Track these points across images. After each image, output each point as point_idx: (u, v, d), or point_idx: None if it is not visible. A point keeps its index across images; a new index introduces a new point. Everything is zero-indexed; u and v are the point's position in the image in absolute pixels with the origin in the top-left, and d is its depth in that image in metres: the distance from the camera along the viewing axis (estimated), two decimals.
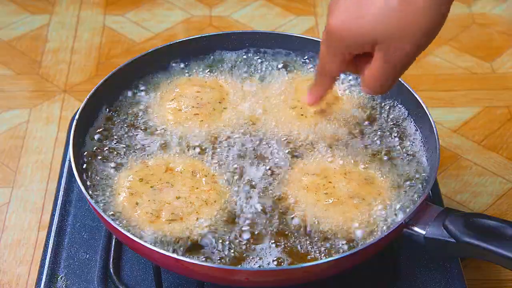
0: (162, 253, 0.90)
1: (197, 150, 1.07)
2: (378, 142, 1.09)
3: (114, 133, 1.10)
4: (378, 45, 0.86)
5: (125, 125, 1.11)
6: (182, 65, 1.21)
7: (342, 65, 0.93)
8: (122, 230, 0.92)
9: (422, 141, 1.10)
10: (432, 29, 0.85)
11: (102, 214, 0.94)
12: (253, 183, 1.03)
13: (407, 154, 1.08)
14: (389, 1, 0.83)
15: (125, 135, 1.10)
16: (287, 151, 1.07)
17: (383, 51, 0.87)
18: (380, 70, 0.89)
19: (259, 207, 1.00)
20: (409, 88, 1.11)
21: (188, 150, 1.07)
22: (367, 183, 1.01)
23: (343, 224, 0.97)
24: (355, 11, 0.86)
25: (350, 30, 0.87)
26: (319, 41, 1.19)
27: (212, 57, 1.22)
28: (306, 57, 1.22)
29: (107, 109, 1.13)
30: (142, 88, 1.17)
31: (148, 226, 0.96)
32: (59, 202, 1.18)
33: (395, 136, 1.11)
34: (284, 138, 1.09)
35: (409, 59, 0.87)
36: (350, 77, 1.18)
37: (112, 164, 1.05)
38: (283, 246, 0.96)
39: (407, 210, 0.99)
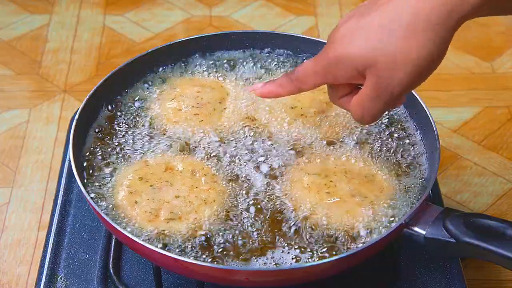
0: (162, 253, 0.90)
1: (197, 149, 1.07)
2: (378, 141, 1.09)
3: (114, 133, 1.10)
4: (371, 69, 0.85)
5: (125, 124, 1.11)
6: (182, 65, 1.21)
7: (319, 85, 0.93)
8: (122, 230, 0.92)
9: (422, 141, 1.10)
10: (427, 65, 0.84)
11: (102, 214, 0.93)
12: (253, 182, 1.03)
13: (407, 154, 1.08)
14: (392, 29, 0.83)
15: (125, 135, 1.10)
16: (287, 151, 1.07)
17: (376, 76, 0.85)
18: (369, 96, 0.88)
19: (259, 207, 1.00)
20: None
21: (188, 149, 1.07)
22: (368, 181, 1.01)
23: (346, 223, 0.97)
24: (355, 37, 0.86)
25: (348, 54, 0.86)
26: (319, 41, 1.21)
27: (212, 57, 1.22)
28: (306, 57, 1.22)
29: (107, 109, 1.13)
30: (142, 88, 1.17)
31: (147, 225, 0.96)
32: (59, 202, 1.18)
33: (395, 136, 1.11)
34: (284, 138, 1.09)
35: (400, 89, 0.86)
36: None
37: (112, 164, 1.05)
38: (284, 246, 0.96)
39: (407, 210, 0.99)
